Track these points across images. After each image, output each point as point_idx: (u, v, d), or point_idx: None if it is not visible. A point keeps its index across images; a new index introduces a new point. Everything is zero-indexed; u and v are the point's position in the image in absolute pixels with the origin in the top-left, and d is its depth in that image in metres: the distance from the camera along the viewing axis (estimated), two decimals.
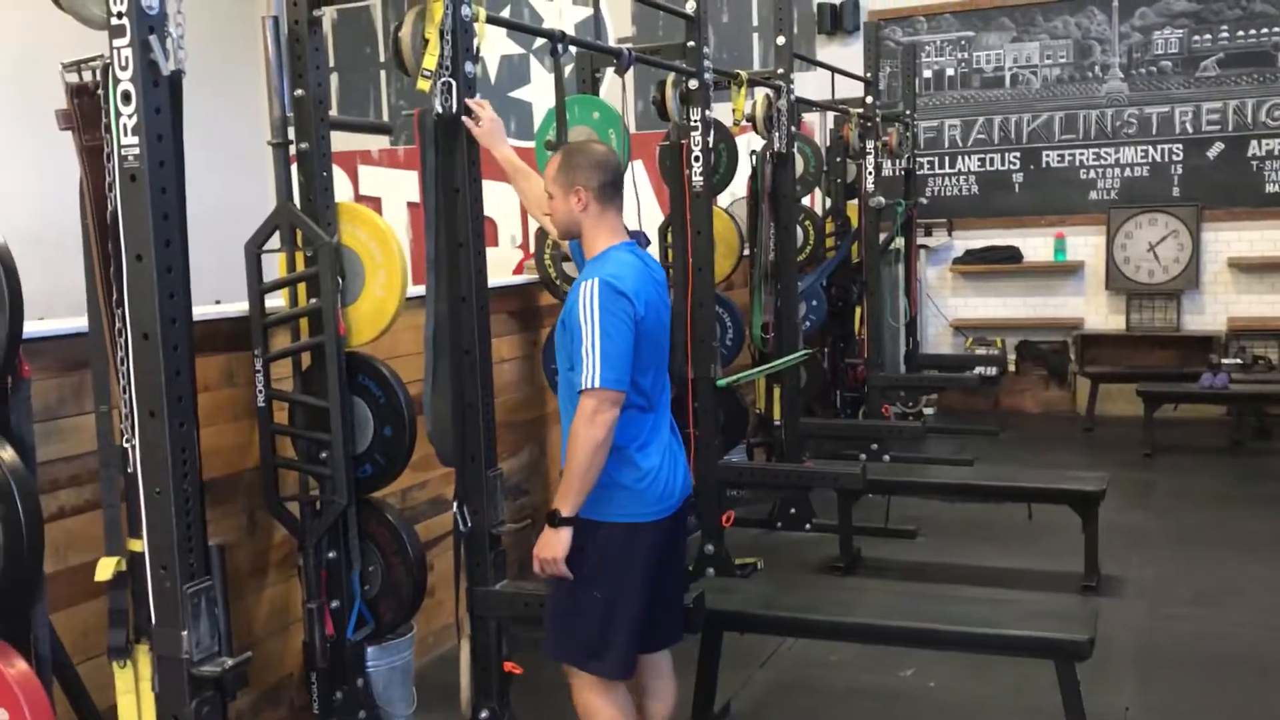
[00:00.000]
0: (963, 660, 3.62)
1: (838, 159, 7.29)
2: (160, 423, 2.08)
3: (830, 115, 7.08)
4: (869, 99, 6.78)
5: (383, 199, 10.27)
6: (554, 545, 2.55)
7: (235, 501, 3.22)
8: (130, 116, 2.03)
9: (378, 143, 10.13)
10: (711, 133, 4.44)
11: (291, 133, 3.12)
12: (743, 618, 3.15)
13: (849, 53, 8.18)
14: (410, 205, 10.01)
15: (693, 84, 4.39)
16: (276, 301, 3.24)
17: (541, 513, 4.74)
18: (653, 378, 2.65)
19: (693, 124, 4.41)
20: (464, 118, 2.96)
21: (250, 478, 3.21)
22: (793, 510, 5.42)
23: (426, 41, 2.89)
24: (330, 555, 3.18)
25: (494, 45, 9.54)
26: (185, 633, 2.11)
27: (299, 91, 3.10)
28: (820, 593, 3.44)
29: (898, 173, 7.82)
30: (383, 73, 10.18)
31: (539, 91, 9.63)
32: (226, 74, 6.52)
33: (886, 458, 6.43)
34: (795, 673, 3.80)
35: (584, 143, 2.84)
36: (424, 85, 2.90)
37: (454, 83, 2.94)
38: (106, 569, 2.15)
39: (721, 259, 5.60)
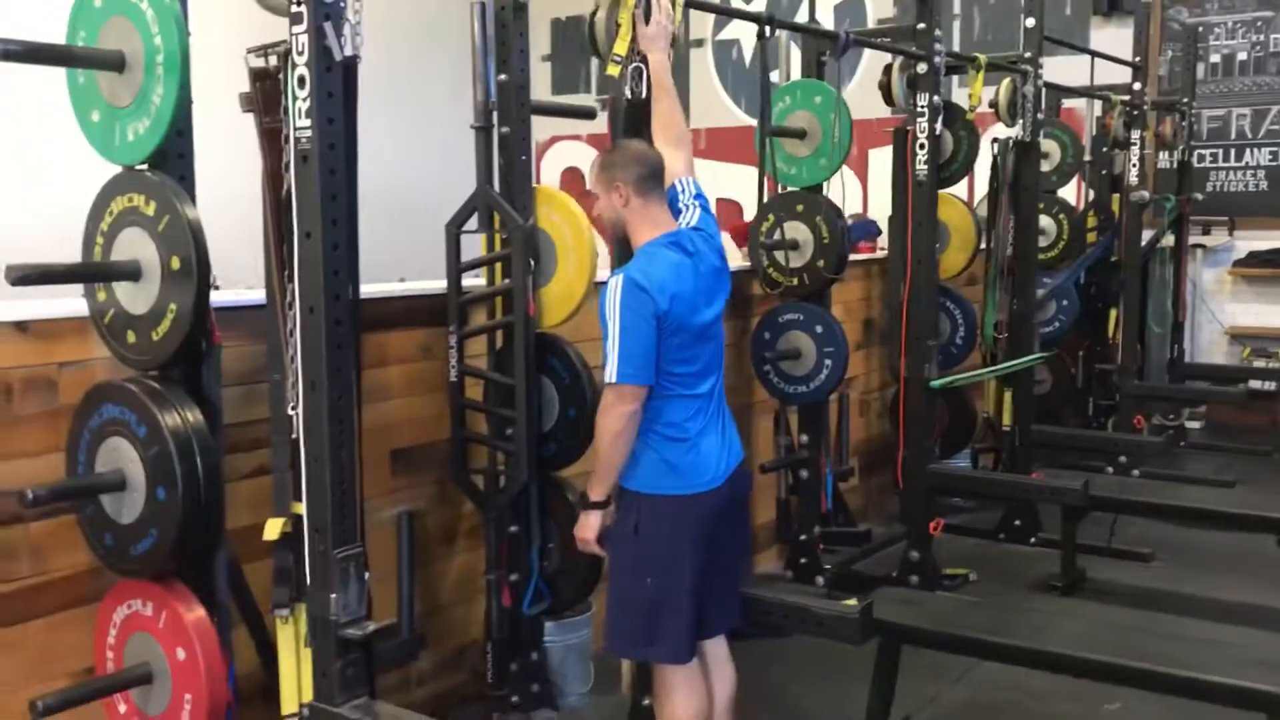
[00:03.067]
0: (1175, 702, 3.31)
1: (1103, 149, 6.82)
2: (320, 394, 2.18)
3: (1098, 103, 6.62)
4: (1136, 85, 6.28)
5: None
6: (585, 527, 2.73)
7: (428, 470, 3.35)
8: (304, 100, 2.13)
9: (593, 128, 10.35)
10: (939, 119, 4.23)
11: (496, 117, 3.21)
12: (921, 633, 3.00)
13: (1127, 35, 7.61)
14: None
15: (921, 68, 4.20)
16: (479, 280, 3.35)
17: (751, 500, 4.76)
18: (692, 365, 2.69)
19: (919, 110, 4.22)
20: (636, 10, 2.91)
21: (443, 449, 3.32)
22: (1018, 522, 5.13)
23: (619, 26, 2.89)
24: (512, 529, 3.26)
25: (748, 27, 9.45)
26: (334, 595, 2.20)
27: (502, 76, 3.17)
28: (1014, 614, 3.22)
29: (1172, 165, 7.22)
30: (594, 60, 10.33)
31: (792, 75, 9.51)
32: (442, 57, 6.85)
33: (1136, 473, 5.98)
34: (989, 694, 3.59)
35: (622, 141, 2.85)
36: (613, 70, 2.91)
37: (645, 68, 2.92)
38: (274, 529, 2.28)
39: (956, 252, 5.39)
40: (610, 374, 2.58)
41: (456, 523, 3.44)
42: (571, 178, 10.73)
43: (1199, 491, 4.96)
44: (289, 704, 2.35)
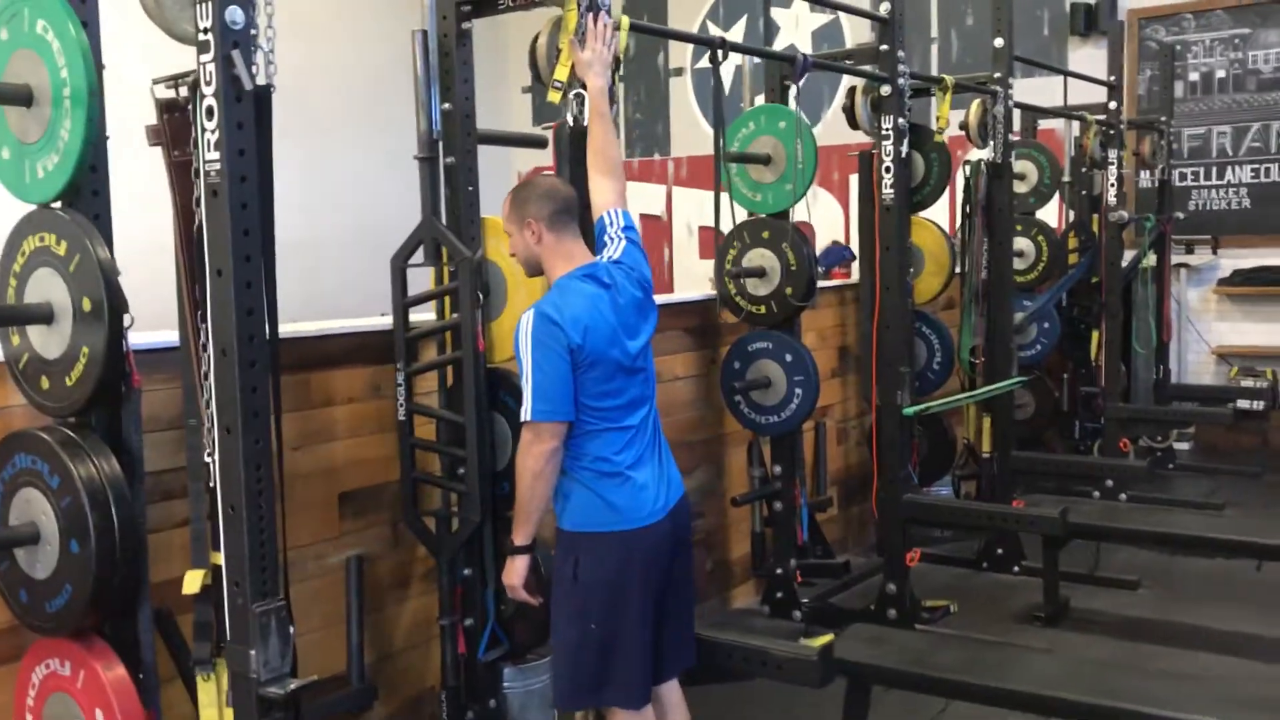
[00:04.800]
0: None
1: (1082, 169, 6.75)
2: (235, 439, 2.08)
3: (1076, 123, 6.56)
4: (1112, 104, 6.22)
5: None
6: (510, 572, 2.68)
7: (379, 513, 3.24)
8: (213, 132, 2.04)
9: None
10: (905, 142, 4.15)
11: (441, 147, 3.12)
12: (889, 673, 2.88)
13: (1104, 55, 7.55)
14: (642, 217, 10.06)
15: (885, 90, 4.12)
16: (431, 316, 3.25)
17: (714, 538, 4.66)
18: (618, 398, 2.62)
19: (884, 132, 4.14)
20: (572, 39, 2.84)
21: (394, 490, 3.22)
22: (1000, 551, 5.02)
23: (559, 51, 2.80)
24: (465, 572, 3.15)
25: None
26: (253, 652, 2.09)
27: (446, 105, 3.09)
28: (987, 651, 3.10)
29: (1154, 184, 7.15)
30: (620, 86, 10.28)
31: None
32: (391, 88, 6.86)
33: (1123, 497, 5.87)
34: None
35: (531, 178, 2.80)
36: (554, 97, 2.83)
37: (586, 95, 2.83)
38: (193, 582, 2.18)
39: (930, 276, 5.28)
40: (525, 412, 2.54)
41: (410, 566, 3.33)
42: None
43: (1183, 517, 4.85)
44: None
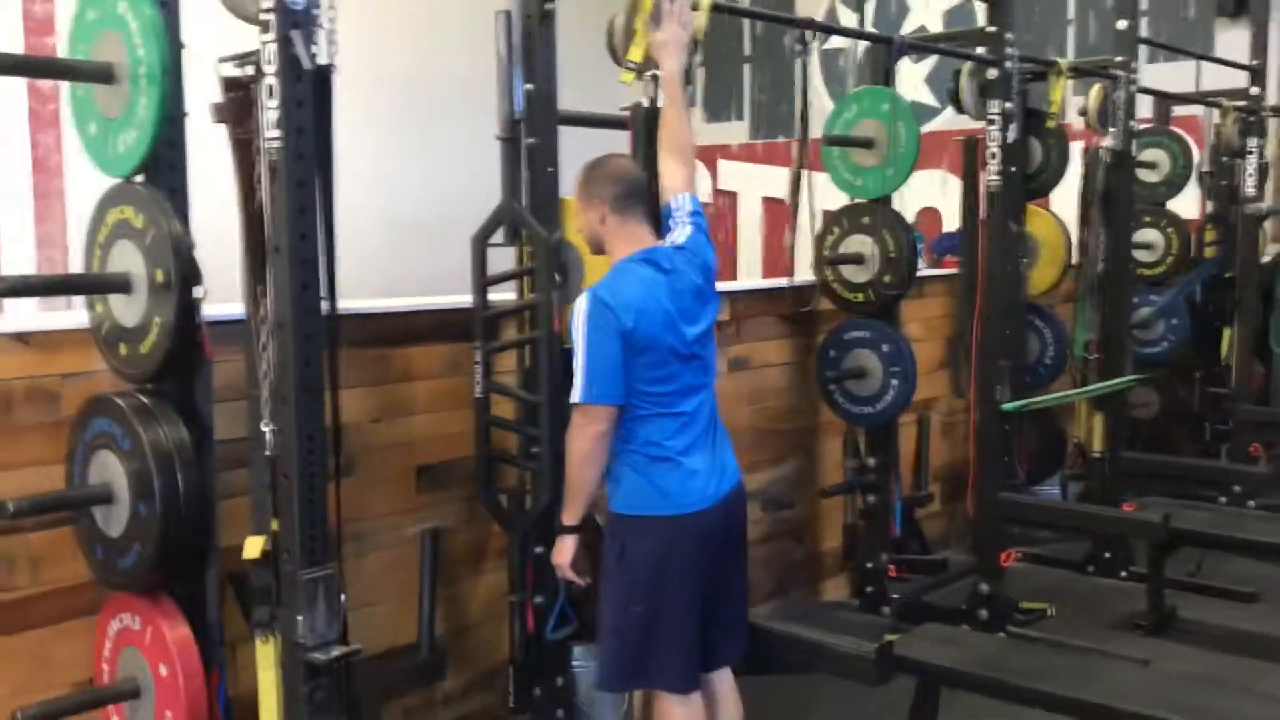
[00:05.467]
0: None
1: (1222, 159, 6.41)
2: (289, 410, 2.14)
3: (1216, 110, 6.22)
4: (1254, 89, 5.88)
5: (739, 193, 10.31)
6: (558, 551, 2.72)
7: (456, 488, 3.29)
8: (273, 110, 2.09)
9: (737, 136, 10.20)
10: (1012, 128, 4.00)
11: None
12: (954, 674, 2.80)
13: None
14: (765, 200, 9.97)
15: (992, 73, 3.98)
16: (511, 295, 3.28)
17: (805, 528, 4.60)
18: (670, 384, 2.60)
19: (990, 117, 4.00)
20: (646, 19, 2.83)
21: (471, 465, 3.26)
22: (1108, 555, 4.82)
23: (634, 33, 2.79)
24: (537, 550, 3.17)
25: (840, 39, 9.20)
26: (300, 617, 2.15)
27: (529, 86, 3.10)
28: (1061, 657, 2.99)
29: None
30: (745, 67, 10.18)
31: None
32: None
33: (1251, 504, 5.57)
34: None
35: (605, 156, 2.77)
36: (627, 78, 2.81)
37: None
38: (254, 547, 2.24)
39: (1045, 267, 5.13)
40: (576, 393, 2.56)
41: (486, 541, 3.37)
42: None
43: None
44: None
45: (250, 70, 2.15)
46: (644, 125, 2.89)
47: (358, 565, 3.08)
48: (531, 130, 3.11)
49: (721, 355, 4.17)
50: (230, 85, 2.14)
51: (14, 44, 5.56)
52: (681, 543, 2.58)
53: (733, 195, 10.26)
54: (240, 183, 2.17)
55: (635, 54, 2.80)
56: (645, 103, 2.87)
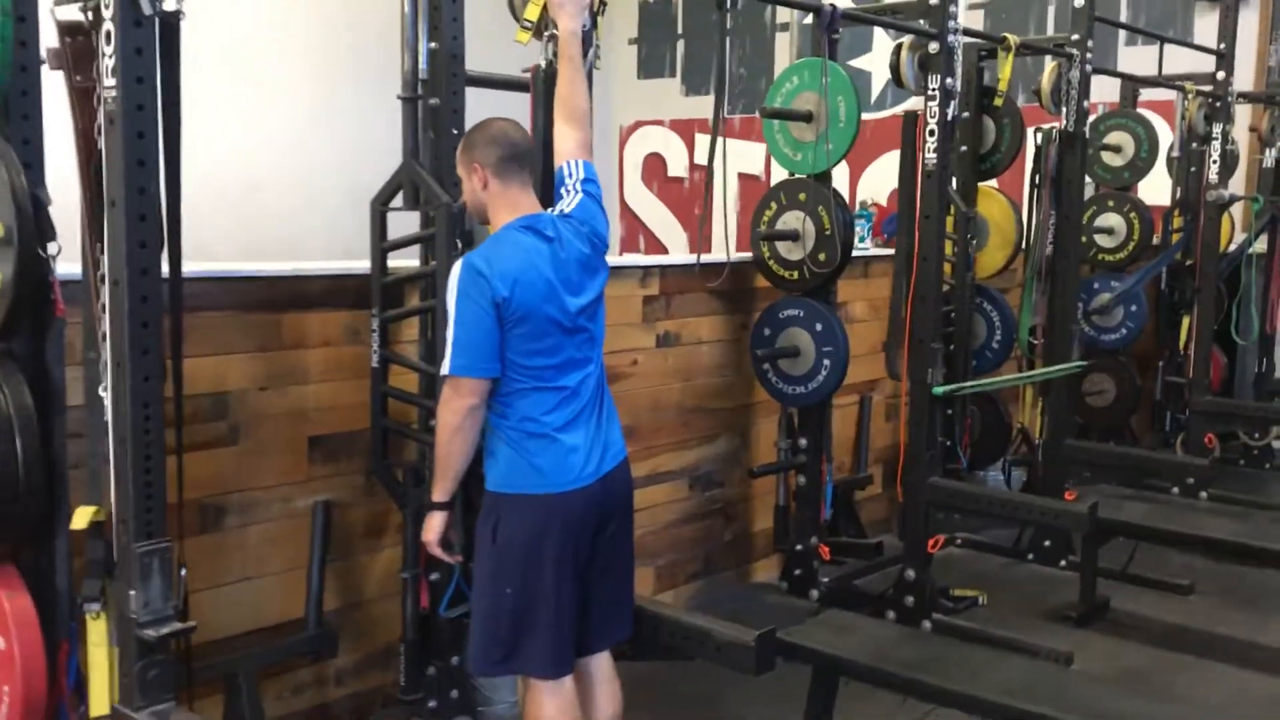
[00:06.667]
0: None
1: (1192, 144, 6.28)
2: (123, 374, 2.03)
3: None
4: (1220, 74, 5.75)
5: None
6: (427, 529, 2.60)
7: (352, 460, 3.19)
8: (110, 58, 1.97)
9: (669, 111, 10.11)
10: (952, 105, 3.89)
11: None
12: (843, 664, 2.71)
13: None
14: (741, 176, 9.83)
15: (933, 47, 3.86)
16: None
17: (735, 508, 4.51)
18: (551, 357, 2.49)
19: (930, 93, 3.88)
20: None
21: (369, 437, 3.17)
22: (1047, 543, 4.74)
23: None
24: None
25: None
26: (133, 592, 2.05)
27: (434, 44, 2.98)
28: (956, 649, 2.91)
29: (1271, 163, 6.62)
30: (727, 41, 10.01)
31: (879, 60, 9.08)
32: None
33: (1203, 495, 5.49)
34: None
35: (486, 120, 2.62)
36: (522, 37, 2.69)
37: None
38: (82, 518, 2.14)
39: (995, 250, 5.02)
40: (445, 365, 2.45)
41: (385, 517, 3.27)
42: (654, 164, 10.56)
43: (1244, 523, 4.49)
44: (98, 705, 2.20)
45: (91, 16, 2.02)
46: (542, 86, 2.77)
47: (243, 535, 2.99)
48: (434, 90, 3.00)
49: (648, 330, 4.08)
50: (67, 30, 2.02)
51: None
52: (555, 522, 2.48)
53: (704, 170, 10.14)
54: (79, 135, 2.05)
55: (532, 12, 2.68)
56: (544, 63, 2.75)
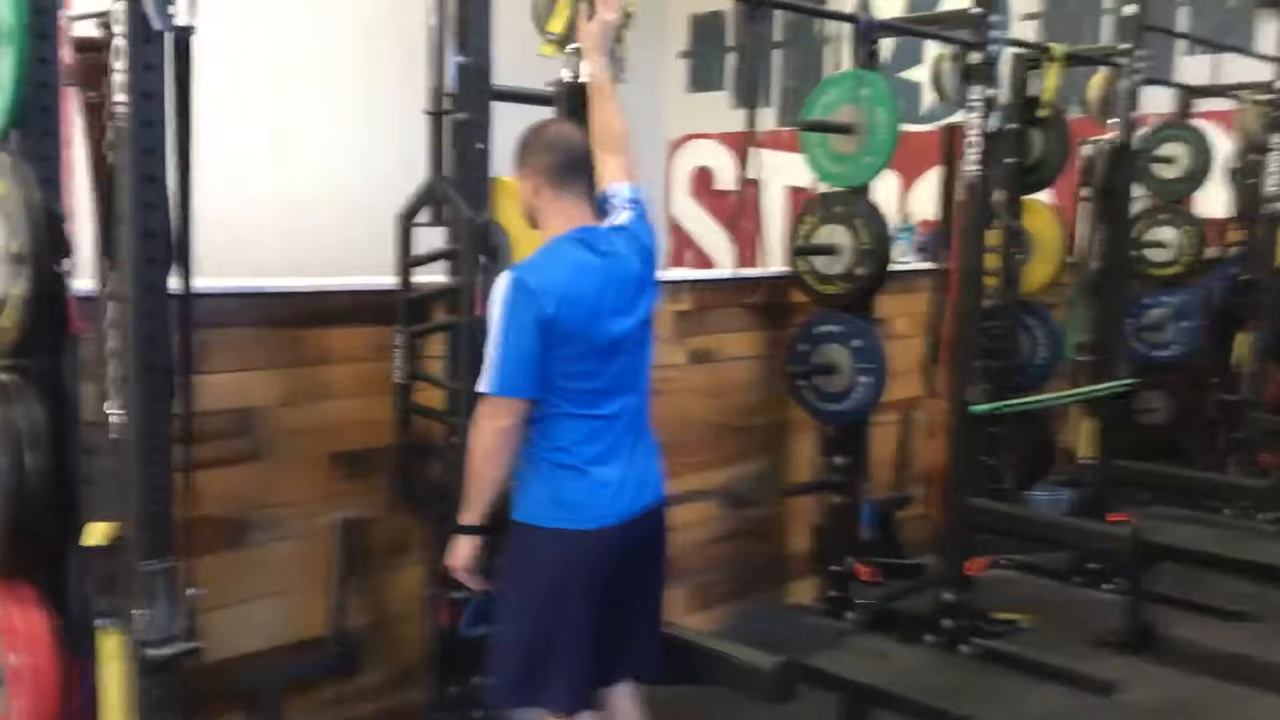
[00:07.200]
0: None
1: (1250, 155, 6.11)
2: (131, 390, 2.02)
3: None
4: (1278, 82, 5.58)
5: (765, 181, 10.10)
6: (453, 554, 2.50)
7: (378, 477, 3.16)
8: (121, 73, 1.97)
9: (764, 123, 9.98)
10: (994, 116, 3.80)
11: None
12: (872, 692, 2.64)
13: None
14: (790, 190, 9.74)
15: (974, 57, 3.78)
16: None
17: (770, 527, 4.43)
18: (591, 381, 2.37)
19: (971, 104, 3.80)
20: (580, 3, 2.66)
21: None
22: (1093, 566, 4.61)
23: (555, 2, 2.64)
24: None
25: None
26: (137, 611, 2.04)
27: (461, 59, 2.95)
28: (990, 677, 2.82)
29: None
30: (775, 53, 9.95)
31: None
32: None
33: (1260, 518, 5.32)
34: None
35: (544, 121, 2.54)
36: (546, 50, 2.66)
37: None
38: (95, 534, 2.13)
39: (1040, 264, 4.90)
40: (484, 382, 2.34)
41: (410, 533, 3.24)
42: (703, 178, 10.51)
43: None
44: None
45: (103, 31, 2.02)
46: (566, 102, 2.74)
47: (266, 551, 2.98)
48: (462, 105, 2.97)
49: (681, 347, 4.02)
50: (80, 46, 2.02)
51: None
52: (581, 561, 2.38)
53: (759, 184, 10.06)
54: (91, 151, 2.05)
55: (556, 25, 2.65)
56: (568, 77, 2.71)
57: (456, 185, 2.98)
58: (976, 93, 3.80)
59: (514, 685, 2.45)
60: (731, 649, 2.54)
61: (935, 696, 2.56)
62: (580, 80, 2.69)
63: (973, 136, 3.80)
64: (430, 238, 3.03)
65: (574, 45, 2.68)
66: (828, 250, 4.05)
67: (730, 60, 10.33)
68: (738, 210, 10.18)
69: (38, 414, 2.17)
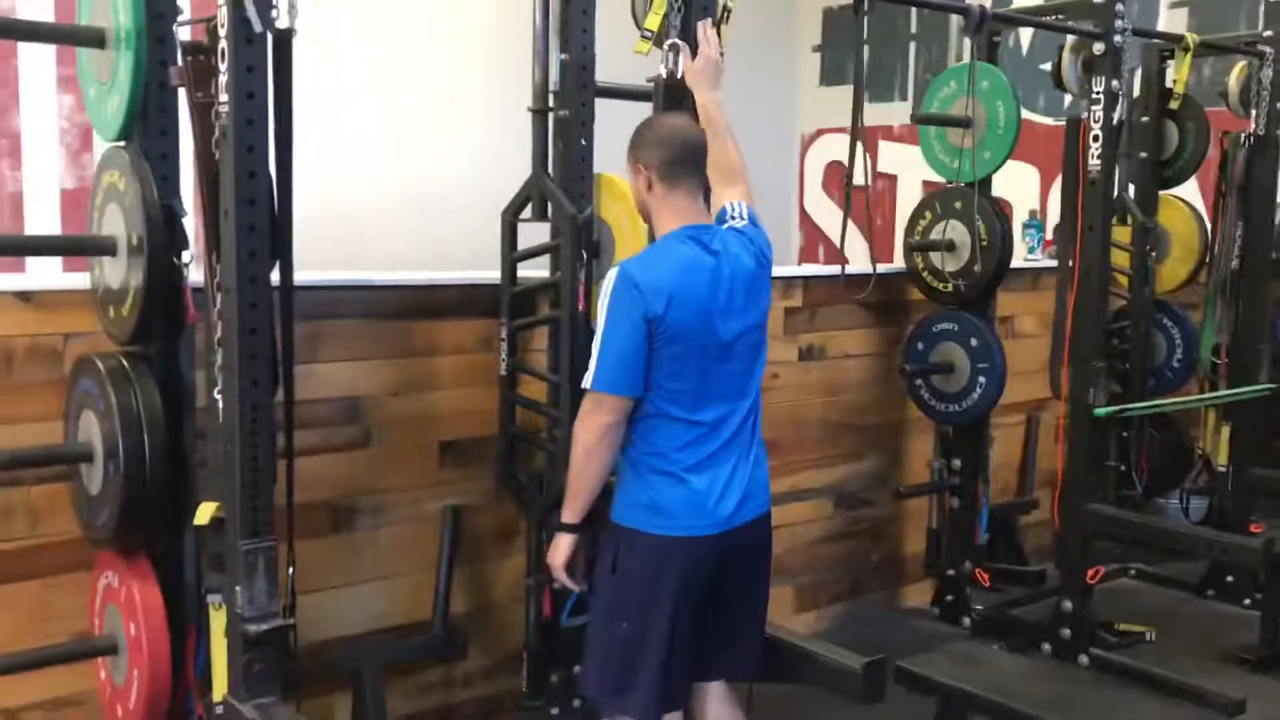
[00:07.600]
0: None
1: None
2: (233, 379, 2.11)
3: None
4: None
5: (899, 176, 9.93)
6: (554, 551, 2.48)
7: (482, 465, 3.24)
8: (225, 74, 2.06)
9: (899, 117, 9.83)
10: (1119, 108, 3.65)
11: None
12: (969, 697, 2.58)
13: None
14: (925, 184, 9.56)
15: (1098, 48, 3.64)
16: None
17: (883, 529, 4.36)
18: (690, 382, 2.32)
19: (1094, 96, 3.66)
20: (680, 45, 2.65)
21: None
22: (1229, 579, 4.40)
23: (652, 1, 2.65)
24: None
25: None
26: (239, 588, 2.13)
27: (564, 56, 3.00)
28: (1099, 691, 2.72)
29: None
30: (911, 45, 9.77)
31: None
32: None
33: None
34: None
35: (656, 116, 2.50)
36: (642, 47, 2.67)
37: (683, 45, 2.67)
38: (205, 514, 2.23)
39: (1177, 262, 4.71)
40: (588, 378, 2.31)
41: (514, 521, 3.30)
42: (836, 172, 10.38)
43: None
44: (219, 691, 2.29)
45: (209, 35, 2.12)
46: (662, 100, 2.74)
47: (374, 536, 3.08)
48: (565, 102, 3.02)
49: (791, 343, 3.99)
50: (188, 50, 2.12)
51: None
52: (675, 565, 2.34)
53: (893, 178, 9.89)
54: (199, 150, 2.15)
55: (652, 22, 2.65)
56: (664, 74, 2.72)
57: (559, 181, 3.04)
58: (1099, 84, 3.65)
59: (609, 681, 2.45)
60: (822, 648, 2.51)
61: (1037, 706, 2.47)
62: (676, 78, 2.69)
63: (1096, 129, 3.66)
64: (535, 233, 3.09)
65: (670, 41, 2.68)
66: (943, 246, 3.97)
67: (864, 53, 10.19)
68: (871, 205, 10.07)
69: (155, 399, 2.28)
